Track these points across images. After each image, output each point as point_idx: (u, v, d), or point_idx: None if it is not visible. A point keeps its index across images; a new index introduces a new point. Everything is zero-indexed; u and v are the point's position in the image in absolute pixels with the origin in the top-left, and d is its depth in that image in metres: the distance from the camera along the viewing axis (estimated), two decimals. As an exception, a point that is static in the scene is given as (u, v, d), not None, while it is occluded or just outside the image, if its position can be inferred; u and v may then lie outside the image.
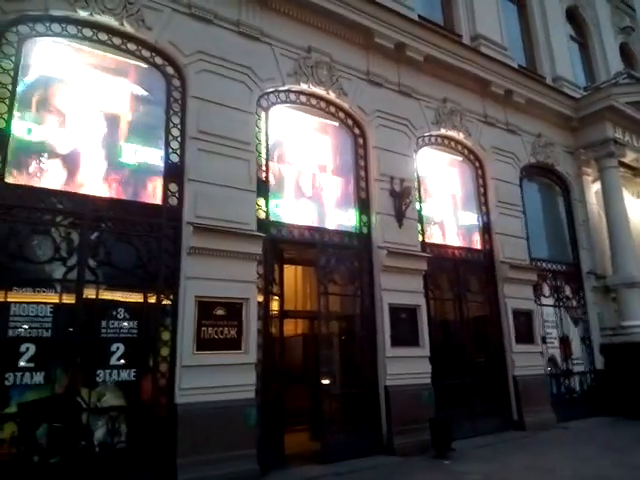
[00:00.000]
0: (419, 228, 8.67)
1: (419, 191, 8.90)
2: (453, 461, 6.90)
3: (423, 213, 8.93)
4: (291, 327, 9.16)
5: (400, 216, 8.19)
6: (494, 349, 9.32)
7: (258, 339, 6.46)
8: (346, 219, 8.06)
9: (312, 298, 8.90)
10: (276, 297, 7.28)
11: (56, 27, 5.82)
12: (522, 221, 10.29)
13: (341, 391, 7.68)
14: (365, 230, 8.06)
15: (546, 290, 10.66)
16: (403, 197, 8.20)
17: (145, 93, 6.51)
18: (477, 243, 9.76)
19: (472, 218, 9.87)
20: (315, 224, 7.64)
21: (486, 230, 9.83)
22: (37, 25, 5.71)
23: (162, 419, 5.68)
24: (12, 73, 5.49)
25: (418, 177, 8.96)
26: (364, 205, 8.12)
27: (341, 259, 7.78)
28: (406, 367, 7.61)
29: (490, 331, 9.41)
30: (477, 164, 10.09)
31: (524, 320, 9.61)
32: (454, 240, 9.47)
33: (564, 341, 10.69)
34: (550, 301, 10.70)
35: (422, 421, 7.32)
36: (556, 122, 11.74)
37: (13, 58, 5.52)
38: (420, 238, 8.62)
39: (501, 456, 7.21)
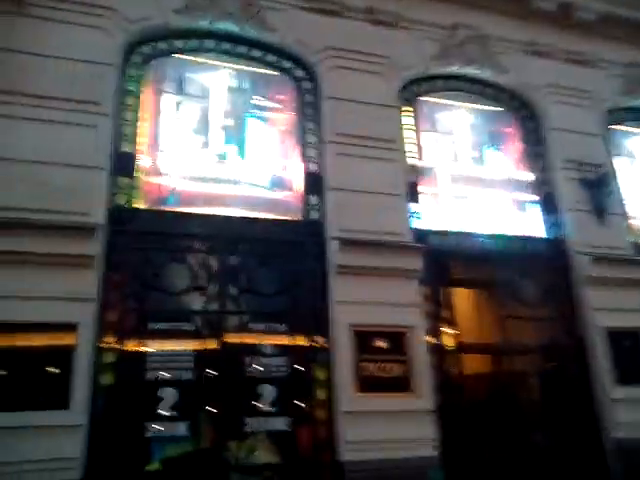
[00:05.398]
0: (625, 224, 6.60)
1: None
2: None
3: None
4: (469, 363, 7.49)
5: (600, 211, 6.30)
6: None
7: (432, 378, 5.16)
8: (526, 221, 6.43)
9: (488, 327, 7.22)
10: (447, 325, 5.85)
11: (179, 43, 5.60)
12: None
13: (548, 444, 5.77)
14: (555, 232, 6.34)
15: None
16: (601, 186, 6.33)
17: (274, 102, 5.92)
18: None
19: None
20: (485, 231, 6.16)
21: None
22: (159, 43, 5.52)
23: (325, 482, 4.54)
24: (138, 95, 5.29)
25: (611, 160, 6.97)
26: (549, 201, 6.47)
27: (527, 273, 6.11)
28: (644, 413, 5.49)
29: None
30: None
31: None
32: None
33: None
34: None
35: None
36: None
37: (138, 79, 5.33)
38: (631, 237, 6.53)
39: None
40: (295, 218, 5.45)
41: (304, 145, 5.72)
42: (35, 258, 4.23)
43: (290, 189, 5.61)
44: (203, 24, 5.59)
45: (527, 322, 6.19)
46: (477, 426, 5.98)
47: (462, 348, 6.12)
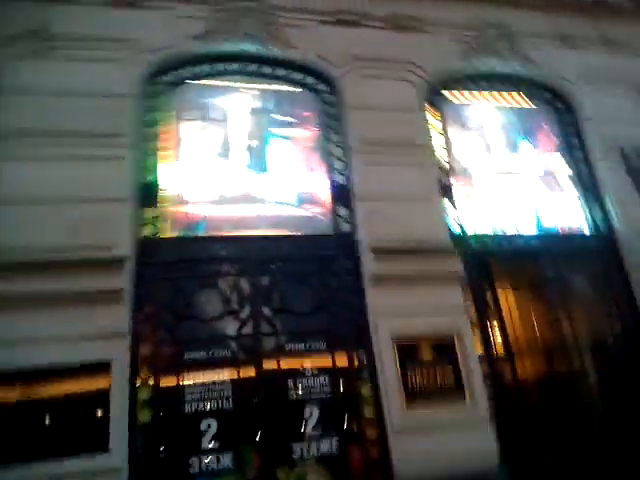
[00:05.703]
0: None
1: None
2: None
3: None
4: (522, 367, 7.10)
5: (647, 198, 5.95)
6: None
7: (485, 386, 4.86)
8: (570, 216, 6.13)
9: (539, 329, 6.82)
10: (496, 329, 5.54)
11: (199, 68, 5.55)
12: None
13: (615, 445, 5.32)
14: (602, 226, 6.02)
15: None
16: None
17: (297, 119, 5.81)
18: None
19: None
20: (528, 230, 5.90)
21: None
22: (180, 70, 5.49)
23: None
24: (161, 124, 5.22)
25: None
26: (592, 193, 6.16)
27: (576, 269, 5.82)
28: None
29: None
30: None
31: None
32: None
33: None
34: None
35: None
36: None
37: (160, 108, 5.28)
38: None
39: None
40: (325, 232, 5.28)
41: (329, 158, 5.56)
42: (63, 297, 4.10)
43: (318, 204, 5.45)
44: (223, 48, 5.57)
45: (581, 321, 5.83)
46: (537, 432, 5.60)
47: (514, 352, 5.80)
